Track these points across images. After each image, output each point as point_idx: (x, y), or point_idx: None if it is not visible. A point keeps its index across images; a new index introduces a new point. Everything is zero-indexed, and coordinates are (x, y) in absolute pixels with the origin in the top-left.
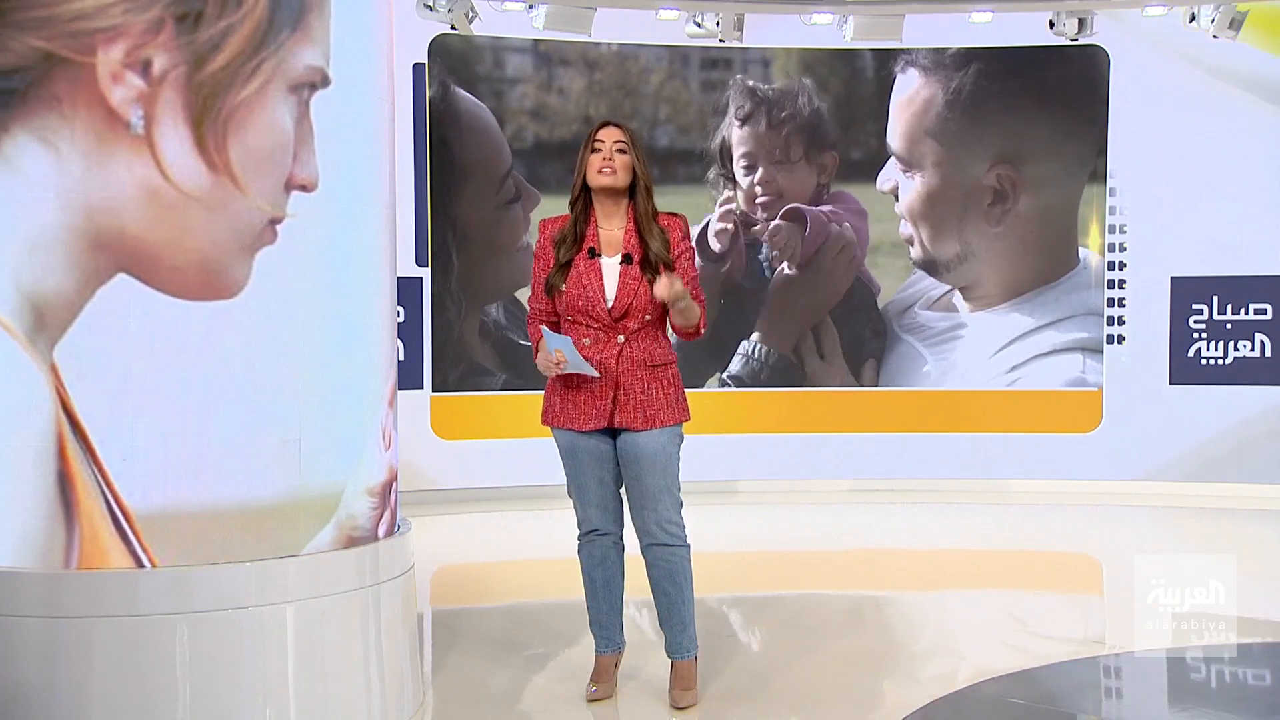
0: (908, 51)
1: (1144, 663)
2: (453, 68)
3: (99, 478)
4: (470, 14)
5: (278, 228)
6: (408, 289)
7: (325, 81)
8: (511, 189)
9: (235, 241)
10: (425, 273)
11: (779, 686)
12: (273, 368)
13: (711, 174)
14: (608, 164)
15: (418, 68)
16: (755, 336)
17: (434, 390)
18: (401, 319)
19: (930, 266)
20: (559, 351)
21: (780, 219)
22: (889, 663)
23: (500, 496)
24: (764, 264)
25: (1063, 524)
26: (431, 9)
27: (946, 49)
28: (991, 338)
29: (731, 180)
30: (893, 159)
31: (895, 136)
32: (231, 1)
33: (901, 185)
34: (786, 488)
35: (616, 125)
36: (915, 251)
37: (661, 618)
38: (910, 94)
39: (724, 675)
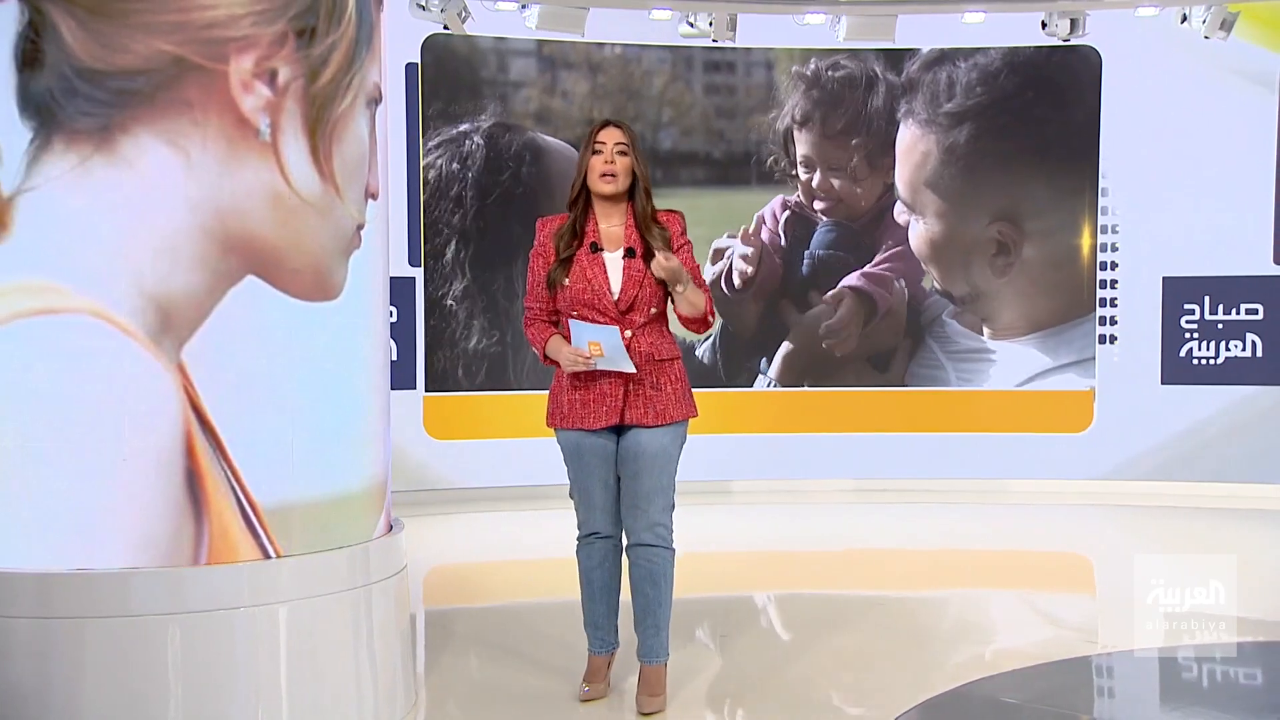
0: (908, 99)
1: (1137, 662)
2: (455, 70)
3: (229, 474)
4: (463, 14)
5: (361, 233)
6: (401, 289)
7: (381, 97)
8: None
9: (337, 246)
10: (418, 273)
11: (772, 686)
12: (359, 365)
13: (771, 163)
14: (609, 169)
15: (410, 67)
16: (771, 372)
17: (427, 390)
18: (395, 319)
19: (948, 297)
20: (594, 345)
21: (841, 292)
22: (881, 662)
23: (493, 497)
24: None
25: (1055, 523)
26: (424, 8)
27: (942, 105)
28: (1013, 369)
29: (794, 171)
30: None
31: (900, 181)
32: (335, 20)
33: (911, 226)
34: (780, 488)
35: (617, 125)
36: (936, 283)
37: (636, 619)
38: (909, 144)
39: (715, 674)
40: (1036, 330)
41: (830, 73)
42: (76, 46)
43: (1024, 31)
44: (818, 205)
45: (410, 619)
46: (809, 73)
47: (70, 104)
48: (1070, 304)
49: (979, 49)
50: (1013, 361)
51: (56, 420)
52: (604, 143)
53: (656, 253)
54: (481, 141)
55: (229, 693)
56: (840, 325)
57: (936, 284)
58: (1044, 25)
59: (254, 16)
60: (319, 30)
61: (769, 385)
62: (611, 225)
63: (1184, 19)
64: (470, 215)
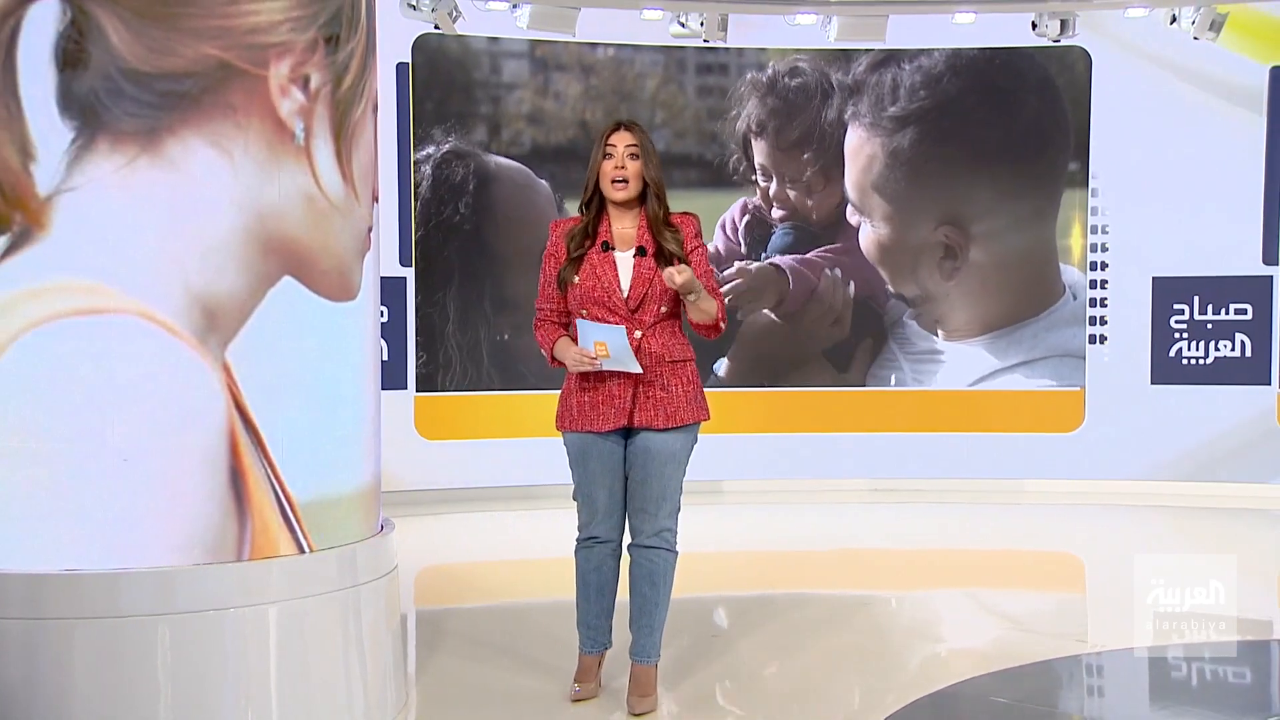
0: (854, 100)
1: (1126, 661)
2: (448, 71)
3: (269, 471)
4: (454, 13)
5: (370, 235)
6: (392, 288)
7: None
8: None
9: (356, 247)
10: (409, 272)
11: (762, 686)
12: (367, 363)
13: (732, 164)
14: (620, 174)
15: (401, 67)
16: (720, 373)
17: (418, 390)
18: (385, 319)
19: (901, 298)
20: (600, 345)
21: (756, 266)
22: (871, 662)
23: (484, 497)
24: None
25: (1045, 523)
26: (415, 8)
27: (886, 108)
28: (966, 370)
29: (752, 178)
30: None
31: (849, 183)
32: (353, 27)
33: (862, 228)
34: (770, 487)
35: (628, 128)
36: (889, 286)
37: (632, 617)
38: (856, 146)
39: (703, 674)
40: (993, 330)
41: (787, 79)
42: (124, 49)
43: (1013, 32)
44: (776, 213)
45: (401, 619)
46: (765, 79)
47: (117, 105)
48: (1020, 305)
49: (923, 50)
50: (965, 362)
51: (104, 420)
52: (615, 145)
53: (669, 268)
54: (430, 172)
55: (218, 694)
56: (741, 280)
57: (889, 287)
58: (1034, 26)
59: (290, 23)
60: (342, 37)
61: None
62: (624, 226)
63: (1173, 20)
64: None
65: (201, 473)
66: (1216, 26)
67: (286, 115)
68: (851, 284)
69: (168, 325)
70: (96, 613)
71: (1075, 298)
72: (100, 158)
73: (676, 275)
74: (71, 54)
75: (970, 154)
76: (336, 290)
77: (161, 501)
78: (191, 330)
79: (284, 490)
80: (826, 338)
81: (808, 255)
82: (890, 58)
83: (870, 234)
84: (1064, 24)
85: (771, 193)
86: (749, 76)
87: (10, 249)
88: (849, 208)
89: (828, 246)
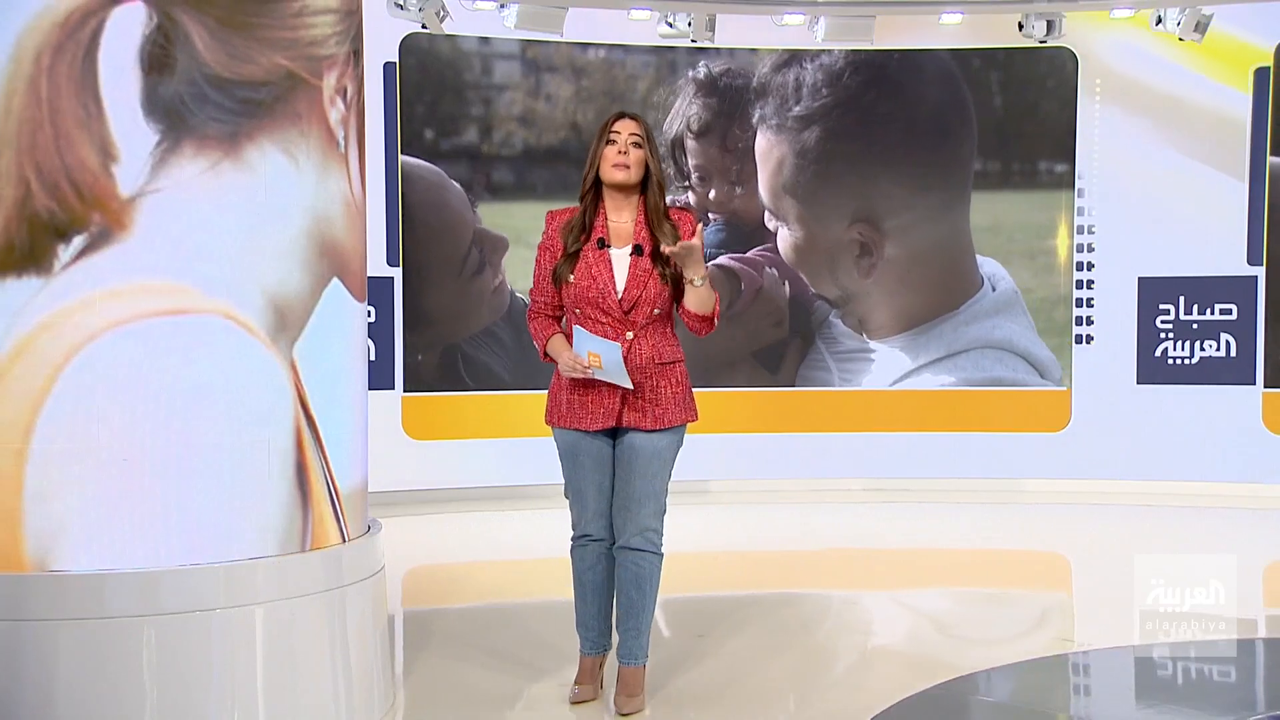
0: (761, 103)
1: (1112, 660)
2: (439, 72)
3: (324, 464)
4: (441, 13)
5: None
6: (379, 289)
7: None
8: (475, 260)
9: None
10: (396, 272)
11: (749, 686)
12: (364, 363)
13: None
14: (622, 159)
15: (388, 66)
16: None
17: (405, 390)
18: (373, 319)
19: (823, 299)
20: (594, 356)
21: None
22: (857, 662)
23: (472, 497)
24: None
25: (1031, 522)
26: (402, 7)
27: (790, 109)
28: (892, 368)
29: (685, 180)
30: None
31: (763, 188)
32: (362, 41)
33: (779, 233)
34: (757, 487)
35: (632, 117)
36: (810, 289)
37: (619, 619)
38: (765, 149)
39: (692, 674)
40: (913, 327)
41: (724, 80)
42: (208, 55)
43: (1000, 32)
44: (713, 215)
45: (389, 619)
46: (701, 77)
47: (201, 110)
48: (939, 299)
49: (824, 50)
50: (891, 360)
51: (189, 418)
52: (619, 133)
53: (675, 246)
54: None
55: (204, 695)
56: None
57: (811, 289)
58: (1021, 27)
59: (337, 36)
60: (360, 52)
61: None
62: (621, 220)
63: (1159, 21)
64: None
65: (276, 467)
66: (1201, 28)
67: (334, 124)
68: (787, 283)
69: (247, 325)
70: (81, 614)
71: (995, 289)
72: (186, 160)
73: (697, 242)
74: (158, 58)
75: (877, 149)
76: (359, 290)
77: (244, 496)
78: (266, 330)
79: (334, 483)
80: (767, 337)
81: (747, 254)
82: (793, 58)
83: (787, 237)
84: (1050, 25)
85: (711, 196)
86: (688, 74)
87: (88, 248)
88: (766, 214)
89: (764, 246)
